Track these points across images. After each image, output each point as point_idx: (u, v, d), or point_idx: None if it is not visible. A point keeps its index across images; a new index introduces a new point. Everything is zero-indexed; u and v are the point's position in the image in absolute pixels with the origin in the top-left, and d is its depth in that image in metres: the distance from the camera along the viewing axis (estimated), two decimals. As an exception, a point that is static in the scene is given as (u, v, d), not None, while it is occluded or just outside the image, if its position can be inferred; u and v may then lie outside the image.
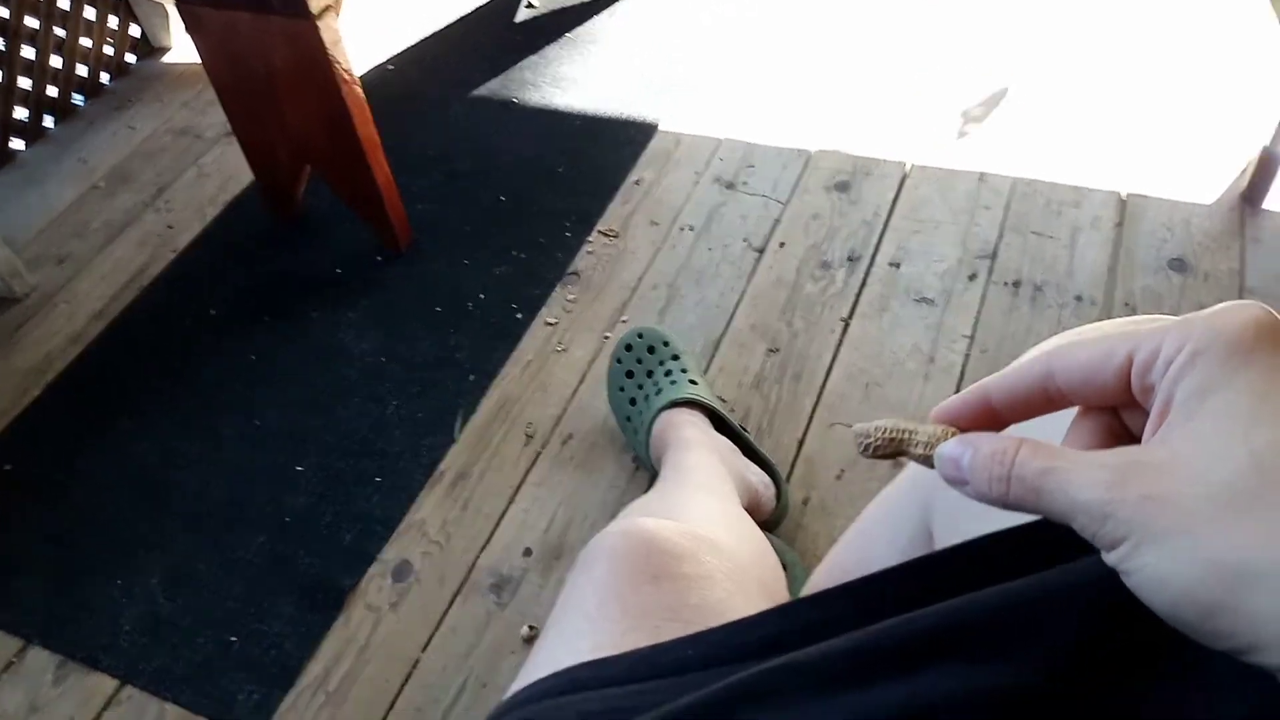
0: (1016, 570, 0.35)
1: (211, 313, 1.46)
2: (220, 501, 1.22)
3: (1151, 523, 0.27)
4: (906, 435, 0.34)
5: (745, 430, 1.13)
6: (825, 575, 0.73)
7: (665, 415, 1.08)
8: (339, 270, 1.49)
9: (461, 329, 1.38)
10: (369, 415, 1.29)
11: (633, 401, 1.16)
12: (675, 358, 1.17)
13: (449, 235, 1.52)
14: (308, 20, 1.22)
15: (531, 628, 1.05)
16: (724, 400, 1.24)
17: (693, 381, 1.12)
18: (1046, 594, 0.34)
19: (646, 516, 0.64)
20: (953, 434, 0.34)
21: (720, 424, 1.09)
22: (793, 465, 1.16)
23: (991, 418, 0.34)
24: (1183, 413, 0.28)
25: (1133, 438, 0.33)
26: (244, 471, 1.25)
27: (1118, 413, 0.33)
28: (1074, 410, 0.34)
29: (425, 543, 1.15)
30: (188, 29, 1.35)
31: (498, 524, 1.16)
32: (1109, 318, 1.28)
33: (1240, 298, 1.26)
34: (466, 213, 1.56)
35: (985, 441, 0.32)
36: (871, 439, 0.35)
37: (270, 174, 1.52)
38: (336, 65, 1.26)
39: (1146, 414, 0.31)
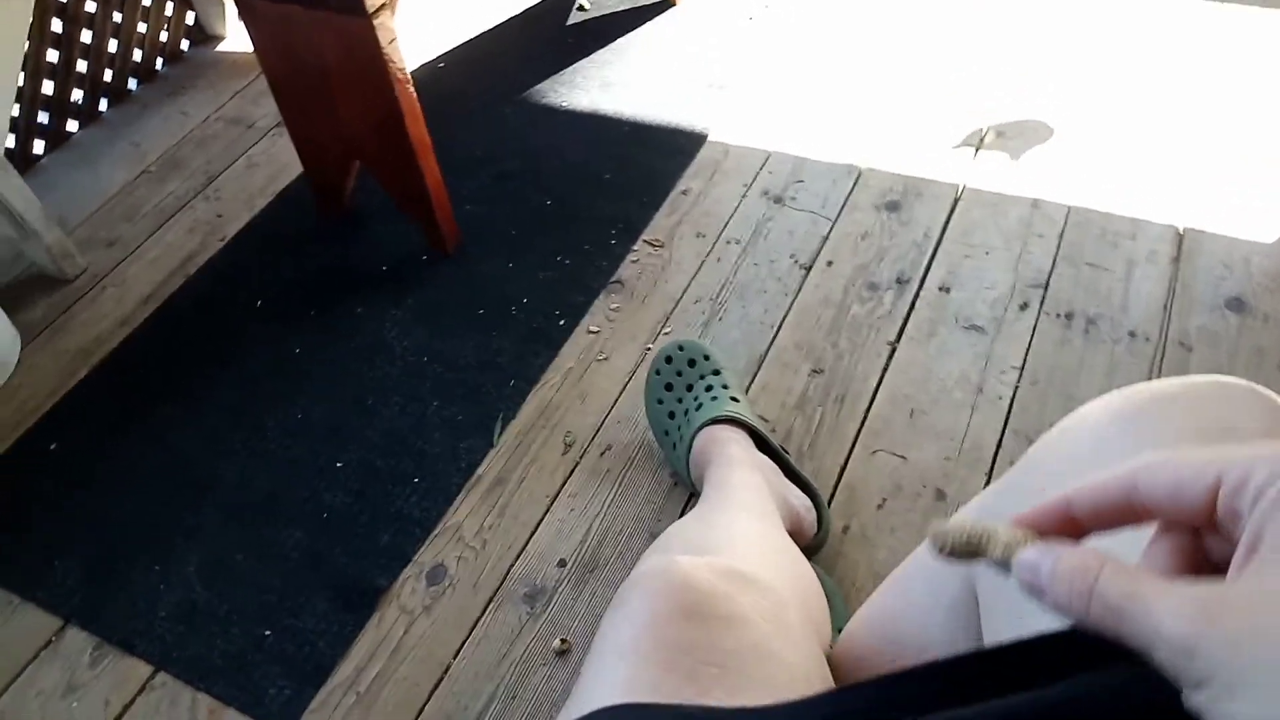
0: (1069, 671, 0.34)
1: (258, 303, 1.47)
2: (260, 493, 1.23)
3: (1243, 668, 0.26)
4: (985, 538, 0.34)
5: (786, 451, 1.12)
6: (865, 624, 0.72)
7: (707, 432, 1.07)
8: (385, 268, 1.50)
9: (504, 332, 1.38)
10: (410, 414, 1.29)
11: (671, 415, 1.15)
12: (716, 373, 1.16)
13: (495, 237, 1.52)
14: (364, 17, 1.22)
15: (563, 640, 1.05)
16: (765, 420, 1.24)
17: (734, 399, 1.11)
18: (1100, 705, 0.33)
19: (685, 552, 0.63)
20: (1032, 540, 0.33)
21: (761, 443, 1.09)
22: (834, 491, 1.15)
23: (1072, 526, 0.34)
24: (1277, 553, 0.28)
25: (1211, 563, 0.32)
26: (285, 464, 1.26)
27: (1199, 534, 0.32)
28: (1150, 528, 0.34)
29: (461, 547, 1.15)
30: (243, 19, 1.36)
31: (534, 532, 1.16)
32: (1163, 356, 1.26)
33: (1299, 341, 1.24)
34: (513, 215, 1.56)
35: (1068, 554, 0.31)
36: (949, 541, 0.34)
37: (320, 169, 1.53)
38: (391, 64, 1.27)
39: (1228, 539, 0.30)
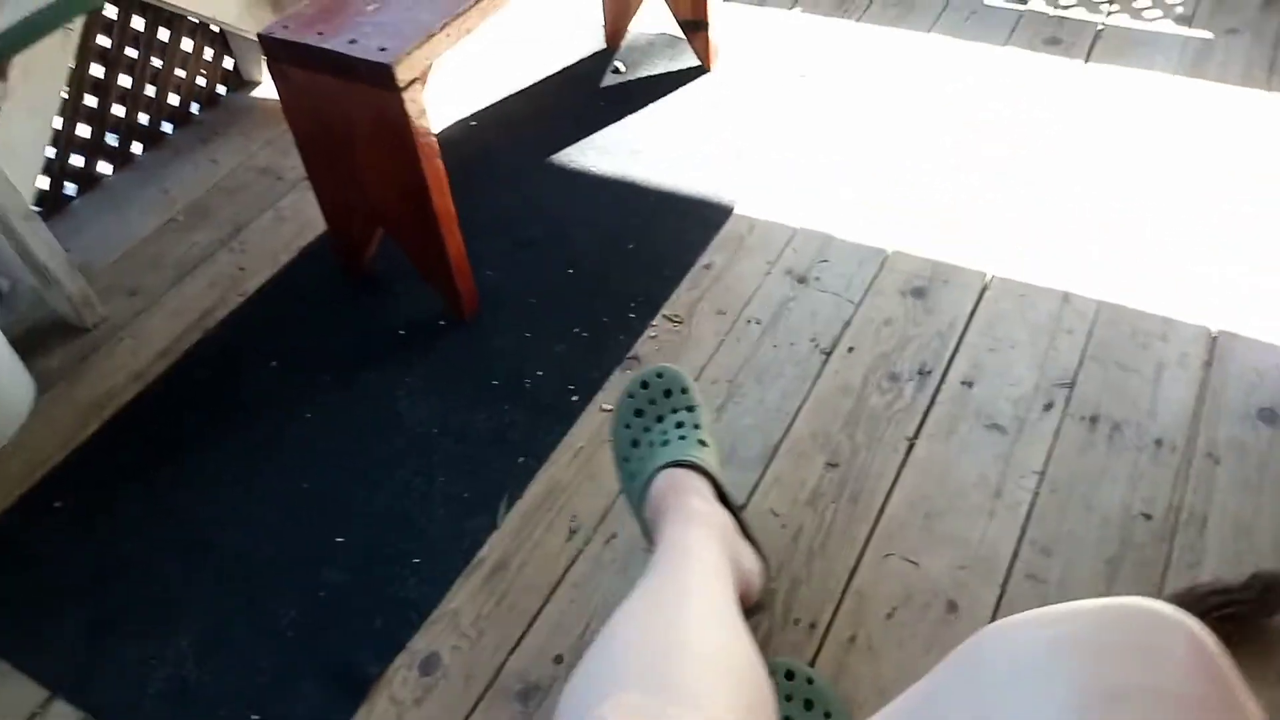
0: None
1: (273, 364, 1.46)
2: (259, 565, 1.21)
3: None
4: None
5: (742, 508, 1.07)
6: None
7: (668, 475, 1.02)
8: (402, 332, 1.49)
9: (516, 406, 1.36)
10: (415, 489, 1.27)
11: (634, 443, 1.10)
12: (690, 409, 1.11)
13: (513, 305, 1.51)
14: (394, 91, 1.21)
15: (555, 744, 1.02)
16: (776, 514, 1.20)
17: (702, 442, 1.06)
18: None
19: (628, 678, 0.60)
20: None
21: (720, 493, 1.04)
22: (841, 597, 1.12)
23: None
24: None
25: None
26: (286, 536, 1.24)
27: None
28: None
29: (456, 635, 1.12)
30: (274, 81, 1.36)
31: (531, 623, 1.13)
32: (1190, 465, 1.21)
33: (1334, 460, 1.19)
34: (532, 283, 1.54)
35: None
36: None
37: (343, 231, 1.52)
38: (419, 137, 1.26)
39: None
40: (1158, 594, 1.10)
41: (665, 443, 1.06)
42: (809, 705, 1.00)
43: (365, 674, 1.10)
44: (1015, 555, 1.15)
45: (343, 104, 1.30)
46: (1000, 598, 1.12)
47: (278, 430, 1.37)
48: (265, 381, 1.44)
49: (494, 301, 1.51)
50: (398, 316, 1.51)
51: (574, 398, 1.36)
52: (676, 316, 1.47)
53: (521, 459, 1.29)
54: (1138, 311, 1.40)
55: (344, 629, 1.14)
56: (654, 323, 1.47)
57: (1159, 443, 1.24)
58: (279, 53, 1.31)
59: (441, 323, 1.49)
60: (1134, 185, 1.60)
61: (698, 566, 0.86)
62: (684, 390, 1.11)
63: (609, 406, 1.35)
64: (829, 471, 1.25)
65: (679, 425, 1.08)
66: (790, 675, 1.01)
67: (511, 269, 1.57)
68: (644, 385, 1.12)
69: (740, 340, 1.43)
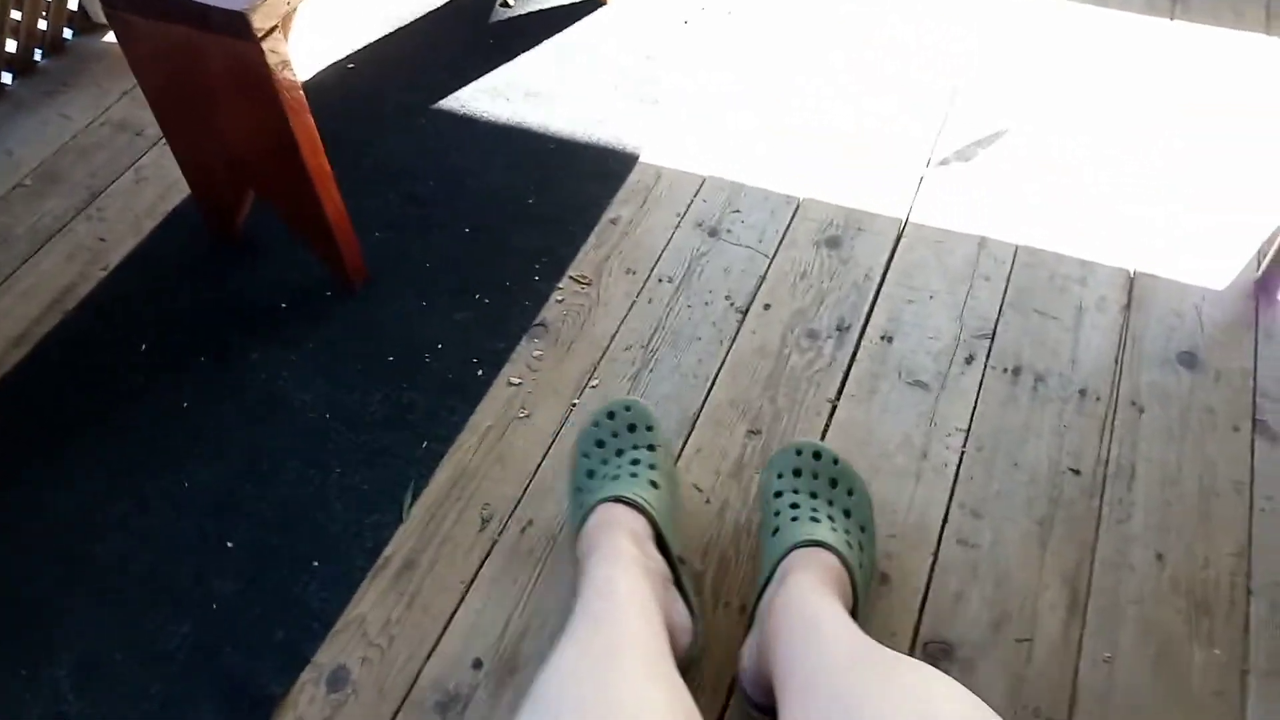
0: None
1: (143, 348, 1.31)
2: (142, 576, 1.09)
3: None
4: None
5: (682, 562, 0.99)
6: None
7: (606, 510, 0.94)
8: (284, 305, 1.34)
9: (416, 384, 1.24)
10: (309, 483, 1.15)
11: (590, 474, 1.04)
12: (651, 448, 1.04)
13: (407, 270, 1.38)
14: (251, 41, 1.06)
15: (478, 759, 0.94)
16: (700, 489, 1.13)
17: (653, 483, 0.99)
18: None
19: None
20: None
21: (659, 538, 0.97)
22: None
23: None
24: None
25: None
26: (169, 543, 1.11)
27: None
28: None
29: (365, 645, 1.02)
30: (118, 39, 1.18)
31: (446, 626, 1.03)
32: (1114, 415, 1.18)
33: (1253, 401, 1.16)
34: (427, 245, 1.41)
35: None
36: None
37: (209, 195, 1.36)
38: (283, 91, 1.10)
39: None
40: (1090, 549, 1.07)
41: (616, 477, 0.99)
42: (834, 483, 1.02)
43: (267, 694, 0.99)
44: (945, 520, 1.10)
45: (194, 56, 1.13)
46: (932, 566, 1.07)
47: (152, 422, 1.22)
48: (135, 367, 1.29)
49: (384, 267, 1.38)
50: (279, 287, 1.37)
51: (478, 372, 1.25)
52: (584, 277, 1.37)
53: (425, 443, 1.18)
54: (1056, 254, 1.35)
55: (240, 645, 1.03)
56: (560, 285, 1.36)
57: (1083, 393, 1.20)
58: (118, 0, 1.13)
59: (328, 293, 1.35)
60: (1049, 120, 1.54)
61: (628, 614, 0.78)
62: (649, 427, 1.05)
63: (517, 380, 1.24)
64: (751, 440, 1.18)
65: (634, 462, 1.01)
66: (817, 455, 1.03)
67: (401, 229, 1.43)
68: (610, 415, 1.06)
69: (652, 301, 1.33)
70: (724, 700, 0.97)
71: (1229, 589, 1.05)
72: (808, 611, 0.82)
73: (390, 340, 1.29)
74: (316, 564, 1.08)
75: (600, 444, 1.06)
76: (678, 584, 0.96)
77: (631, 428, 1.06)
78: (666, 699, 0.62)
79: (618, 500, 0.95)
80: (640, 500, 0.95)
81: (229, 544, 1.10)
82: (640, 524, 0.94)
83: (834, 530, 0.96)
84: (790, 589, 0.88)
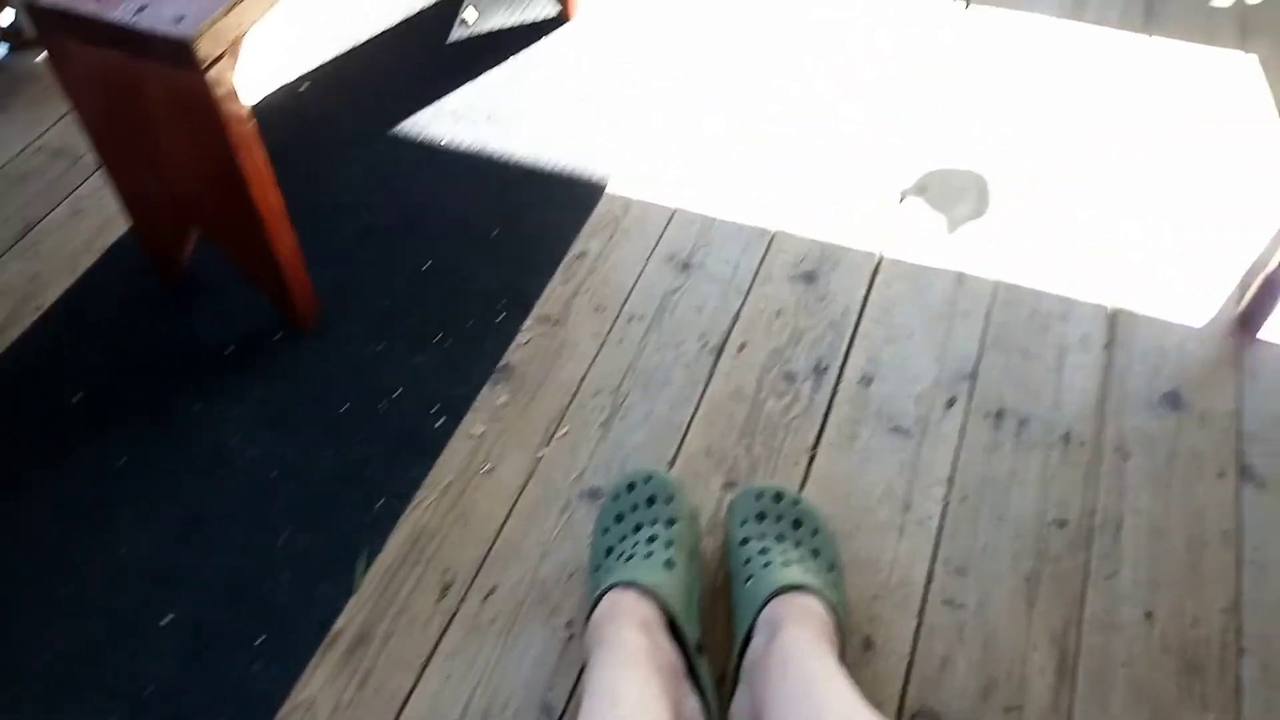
0: None
1: (75, 398, 1.21)
2: (67, 657, 0.99)
3: None
4: None
5: (701, 650, 0.92)
6: None
7: (614, 598, 0.87)
8: (230, 349, 1.25)
9: (371, 436, 1.16)
10: (254, 550, 1.06)
11: (608, 551, 0.97)
12: (671, 523, 0.97)
13: (362, 310, 1.29)
14: (195, 72, 0.96)
15: None
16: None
17: (669, 563, 0.92)
18: None
19: None
20: None
21: (673, 624, 0.90)
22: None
23: None
24: None
25: None
26: (99, 618, 1.02)
27: None
28: None
29: (314, 731, 0.93)
30: (50, 61, 1.08)
31: (402, 709, 0.95)
32: (1100, 462, 1.12)
33: (1238, 444, 1.11)
34: (384, 282, 1.32)
35: None
36: None
37: (151, 231, 1.26)
38: (232, 125, 1.01)
39: None
40: (1079, 608, 1.01)
41: (630, 557, 0.92)
42: (797, 524, 0.99)
43: (206, 790, 0.90)
44: (930, 578, 1.04)
45: (135, 86, 1.04)
46: (918, 629, 1.00)
47: (86, 482, 1.12)
48: (68, 420, 1.19)
49: (337, 307, 1.29)
50: (225, 330, 1.27)
51: (439, 422, 1.17)
52: (551, 316, 1.28)
53: (380, 501, 1.10)
54: (1035, 291, 1.29)
55: (178, 733, 0.94)
56: (526, 325, 1.27)
57: (1066, 438, 1.14)
58: (51, 24, 1.03)
59: (277, 336, 1.26)
60: (1026, 151, 1.48)
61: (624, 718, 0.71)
62: (669, 499, 0.97)
63: (479, 431, 1.16)
64: (727, 493, 1.10)
65: (651, 540, 0.94)
66: (779, 497, 1.00)
67: (356, 266, 1.34)
68: (629, 488, 0.99)
69: (622, 342, 1.25)
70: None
71: (1219, 648, 1.00)
72: (806, 673, 0.76)
73: (344, 387, 1.21)
74: (262, 640, 0.99)
75: (619, 518, 0.99)
76: (693, 675, 0.88)
77: (650, 501, 0.98)
78: None
79: (627, 586, 0.87)
80: (648, 584, 0.87)
81: (165, 620, 1.01)
82: (651, 611, 0.87)
83: (808, 572, 0.91)
84: (786, 647, 0.82)
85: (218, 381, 1.21)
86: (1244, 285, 1.28)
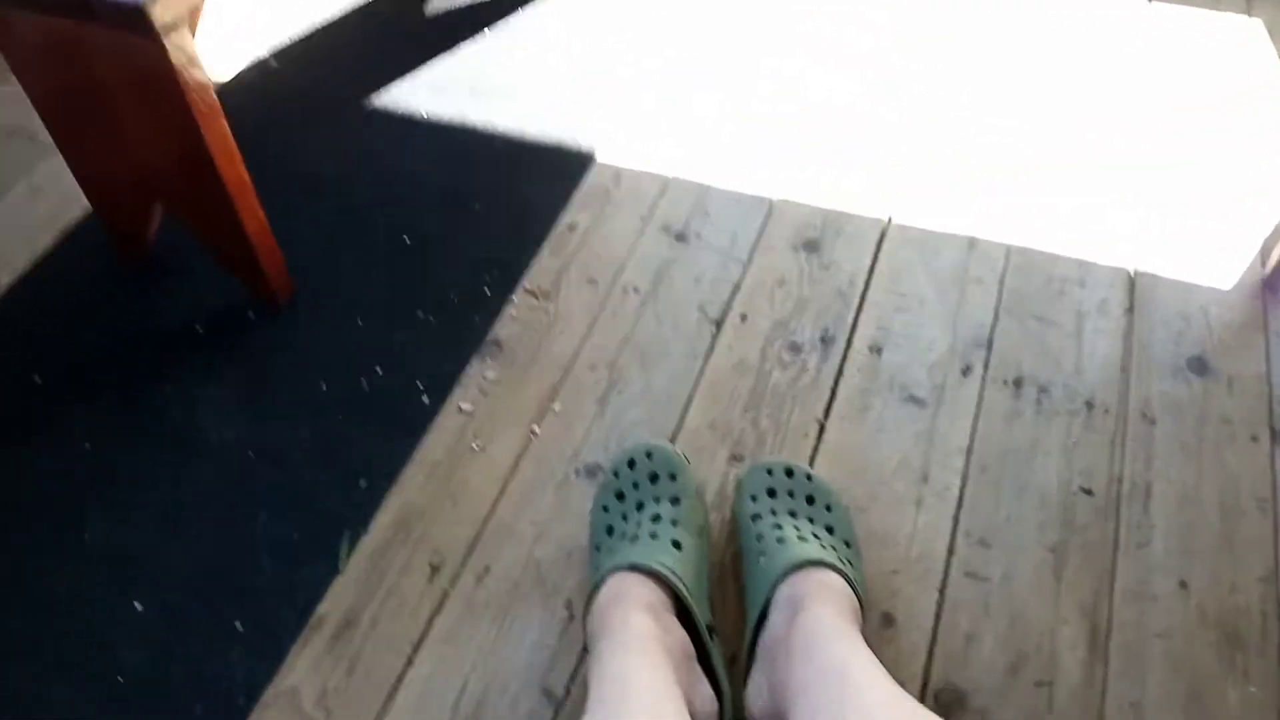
0: None
1: (37, 380, 1.18)
2: (35, 647, 0.96)
3: None
4: None
5: (713, 632, 0.90)
6: None
7: (618, 581, 0.85)
8: (200, 329, 1.23)
9: (352, 415, 1.13)
10: (230, 534, 1.03)
11: (609, 530, 0.94)
12: (675, 500, 0.94)
13: (340, 287, 1.27)
14: (150, 38, 0.94)
15: None
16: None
17: (676, 544, 0.89)
18: None
19: None
20: None
21: (684, 610, 0.87)
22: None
23: None
24: None
25: None
26: (68, 607, 0.99)
27: None
28: None
29: (298, 721, 0.91)
30: (-4, 31, 1.06)
31: (392, 695, 0.92)
32: (1125, 429, 1.11)
33: (1269, 409, 1.10)
34: (362, 258, 1.30)
35: None
36: None
37: (113, 210, 1.24)
38: (191, 93, 0.99)
39: None
40: (1109, 579, 1.00)
41: (635, 538, 0.90)
42: (810, 500, 0.97)
43: (181, 787, 0.87)
44: (951, 551, 1.02)
45: (87, 56, 1.02)
46: (940, 604, 0.98)
47: (50, 468, 1.10)
48: (31, 404, 1.16)
49: (313, 284, 1.26)
50: (194, 310, 1.25)
51: (424, 398, 1.15)
52: (541, 290, 1.27)
53: (363, 482, 1.07)
54: (1050, 255, 1.29)
55: (150, 727, 0.91)
56: (514, 299, 1.26)
57: (1090, 405, 1.13)
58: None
59: (250, 314, 1.24)
60: (1039, 109, 1.48)
61: (639, 711, 0.68)
62: (673, 476, 0.95)
63: (468, 407, 1.14)
64: (733, 467, 1.09)
65: (655, 519, 0.92)
66: (790, 473, 0.98)
67: (333, 240, 1.32)
68: (630, 464, 0.97)
69: (617, 315, 1.24)
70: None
71: (1260, 617, 0.98)
72: (841, 664, 0.74)
73: (322, 366, 1.18)
74: (240, 627, 0.97)
75: (620, 496, 0.97)
76: (705, 660, 0.86)
77: (653, 478, 0.96)
78: None
79: (633, 569, 0.85)
80: (658, 568, 0.85)
81: (137, 607, 0.98)
82: (658, 594, 0.85)
83: (824, 548, 0.89)
84: (809, 626, 0.80)
85: (188, 362, 1.19)
86: (1267, 248, 1.28)
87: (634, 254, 1.30)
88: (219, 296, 1.25)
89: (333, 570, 1.00)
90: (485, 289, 1.26)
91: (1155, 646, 0.96)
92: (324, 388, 1.16)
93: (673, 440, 1.11)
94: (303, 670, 0.94)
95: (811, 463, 1.09)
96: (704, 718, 0.82)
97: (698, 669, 0.84)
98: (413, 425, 1.12)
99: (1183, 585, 1.00)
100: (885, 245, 1.31)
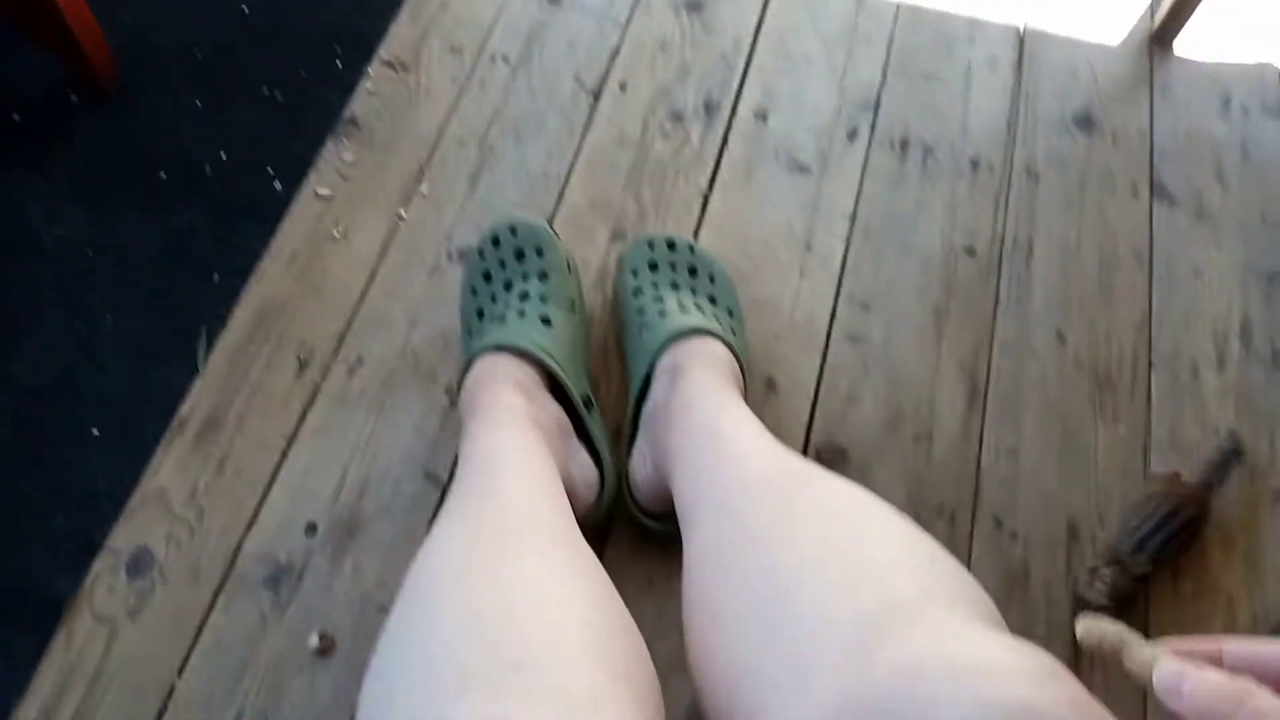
0: None
1: None
2: None
3: None
4: (1127, 642, 0.37)
5: (590, 406, 0.91)
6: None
7: (486, 362, 0.85)
8: (17, 117, 1.13)
9: (196, 206, 1.08)
10: (74, 337, 0.99)
11: (480, 313, 0.93)
12: (543, 276, 0.93)
13: (172, 65, 1.18)
14: None
15: (323, 636, 0.86)
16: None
17: (546, 320, 0.89)
18: None
19: (467, 697, 0.43)
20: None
21: (556, 383, 0.88)
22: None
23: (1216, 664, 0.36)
24: None
25: None
26: (-103, 425, 0.95)
27: None
28: None
29: (169, 521, 0.91)
30: None
31: (267, 489, 0.93)
32: (1009, 187, 1.13)
33: (1149, 163, 1.14)
34: (194, 30, 1.20)
35: (1217, 674, 0.34)
36: (1102, 638, 0.38)
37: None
38: None
39: None
40: (989, 334, 1.05)
41: (503, 319, 0.89)
42: (693, 271, 0.98)
43: (54, 593, 0.87)
44: (833, 316, 1.05)
45: None
46: (822, 367, 1.02)
47: None
48: None
49: (143, 62, 1.17)
50: (10, 95, 1.15)
51: (276, 185, 1.10)
52: (399, 61, 1.20)
53: (217, 277, 1.04)
54: (940, 12, 1.27)
55: (13, 541, 0.90)
56: (370, 72, 1.19)
57: (975, 163, 1.15)
58: None
59: (73, 98, 1.14)
60: None
61: (518, 489, 0.67)
62: (540, 250, 0.93)
63: (326, 192, 1.09)
64: (615, 245, 1.08)
65: (523, 297, 0.90)
66: (671, 245, 0.99)
67: (162, 12, 1.22)
68: (495, 242, 0.94)
69: (486, 86, 1.18)
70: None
71: (1131, 364, 1.05)
72: (715, 422, 0.76)
73: (159, 154, 1.11)
74: (97, 432, 0.94)
75: (488, 277, 0.95)
76: (584, 433, 0.88)
77: (520, 254, 0.94)
78: (568, 591, 0.53)
79: (500, 349, 0.85)
80: (527, 345, 0.85)
81: (-21, 418, 0.95)
82: (527, 372, 0.85)
83: (706, 318, 0.90)
84: (689, 391, 0.82)
85: (9, 152, 1.10)
86: (1156, 3, 1.29)
87: (501, 17, 1.24)
88: (37, 79, 1.15)
89: (192, 370, 0.98)
90: (337, 61, 1.19)
91: (1031, 396, 1.02)
92: (163, 176, 1.10)
93: (551, 220, 1.09)
94: (169, 472, 0.93)
95: (696, 235, 1.09)
96: (583, 486, 0.85)
97: (575, 440, 0.86)
98: (265, 214, 1.07)
99: (1060, 337, 1.05)
100: (772, 4, 1.27)
